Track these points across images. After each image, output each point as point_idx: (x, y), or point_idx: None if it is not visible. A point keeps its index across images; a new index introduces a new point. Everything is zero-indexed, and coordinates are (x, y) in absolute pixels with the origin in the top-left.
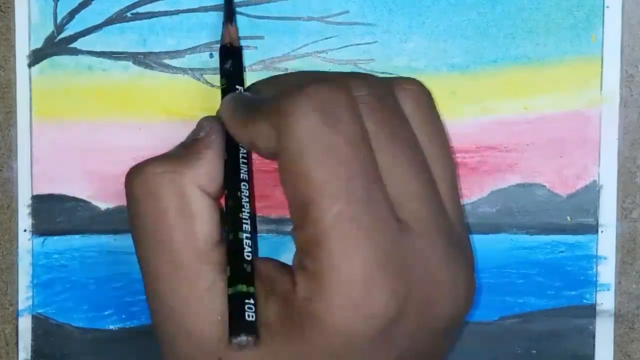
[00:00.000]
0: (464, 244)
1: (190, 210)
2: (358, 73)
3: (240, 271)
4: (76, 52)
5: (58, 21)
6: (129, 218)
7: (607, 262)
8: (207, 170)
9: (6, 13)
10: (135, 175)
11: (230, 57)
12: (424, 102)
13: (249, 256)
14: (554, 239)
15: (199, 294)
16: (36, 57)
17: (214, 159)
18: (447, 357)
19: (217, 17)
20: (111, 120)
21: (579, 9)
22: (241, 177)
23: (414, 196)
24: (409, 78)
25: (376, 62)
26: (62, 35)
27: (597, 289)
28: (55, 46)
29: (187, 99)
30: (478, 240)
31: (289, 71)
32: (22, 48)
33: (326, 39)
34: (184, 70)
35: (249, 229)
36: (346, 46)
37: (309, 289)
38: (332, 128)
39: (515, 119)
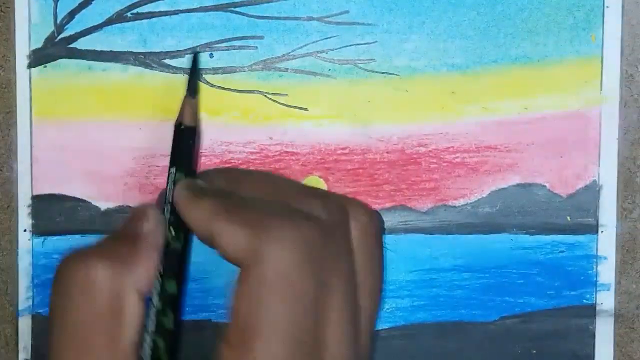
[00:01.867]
0: None
1: (122, 314)
2: (317, 193)
3: None
4: (76, 52)
5: (58, 21)
6: (53, 307)
7: (607, 262)
8: (146, 273)
9: (6, 13)
10: (73, 266)
11: (185, 136)
12: (371, 234)
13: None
14: (554, 239)
15: None
16: (36, 57)
17: (153, 259)
18: None
19: (217, 17)
20: (111, 120)
21: (579, 9)
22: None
23: (341, 339)
24: (362, 206)
25: (376, 62)
26: (62, 35)
27: (597, 289)
28: (55, 46)
29: None
30: (478, 240)
31: (288, 71)
32: (22, 48)
33: (326, 39)
34: (184, 70)
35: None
36: (346, 46)
37: None
38: (306, 271)
39: (515, 119)
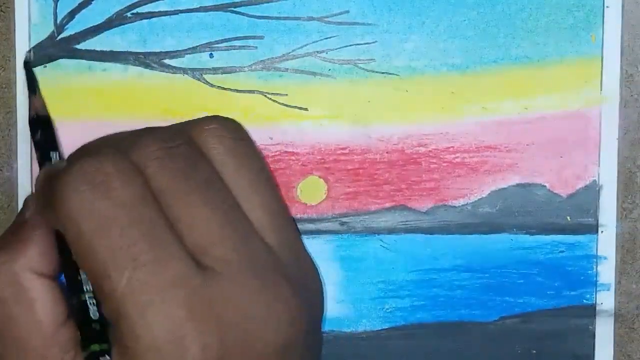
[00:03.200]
0: (296, 272)
1: (27, 297)
2: (150, 129)
3: (89, 331)
4: (76, 52)
5: (58, 21)
6: None
7: (607, 262)
8: (38, 252)
9: (6, 13)
10: None
11: (39, 127)
12: (227, 137)
13: (95, 315)
14: (554, 239)
15: None
16: (36, 57)
17: (43, 238)
18: None
19: (217, 17)
20: (111, 120)
21: (579, 9)
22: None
23: (215, 242)
24: (209, 117)
25: (376, 62)
26: (62, 35)
27: (597, 289)
28: (55, 46)
29: (187, 99)
30: (478, 240)
31: (288, 71)
32: (22, 48)
33: (326, 39)
34: (184, 70)
35: (90, 289)
36: (346, 46)
37: None
38: (103, 199)
39: (515, 119)
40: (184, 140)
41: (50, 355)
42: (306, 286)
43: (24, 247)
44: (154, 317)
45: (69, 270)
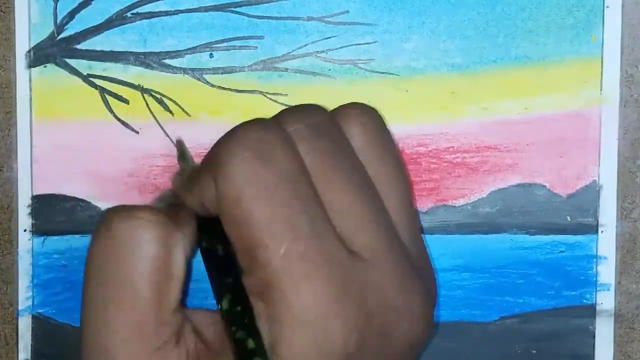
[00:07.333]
0: (421, 269)
1: (171, 270)
2: (296, 106)
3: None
4: (76, 52)
5: (58, 21)
6: (95, 257)
7: (607, 262)
8: (190, 237)
9: (6, 13)
10: (126, 217)
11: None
12: (370, 125)
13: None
14: (554, 239)
15: (148, 352)
16: (36, 57)
17: (193, 226)
18: None
19: (217, 17)
20: (111, 120)
21: (579, 9)
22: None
23: (363, 228)
24: (352, 103)
25: (376, 62)
26: (62, 35)
27: (597, 289)
28: (55, 46)
29: (187, 99)
30: (478, 240)
31: (287, 71)
32: (22, 48)
33: (326, 39)
34: (184, 70)
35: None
36: (346, 46)
37: (270, 335)
38: (267, 167)
39: (515, 119)
40: (329, 121)
41: (159, 332)
42: (427, 284)
43: (185, 224)
44: (308, 290)
45: (219, 268)
